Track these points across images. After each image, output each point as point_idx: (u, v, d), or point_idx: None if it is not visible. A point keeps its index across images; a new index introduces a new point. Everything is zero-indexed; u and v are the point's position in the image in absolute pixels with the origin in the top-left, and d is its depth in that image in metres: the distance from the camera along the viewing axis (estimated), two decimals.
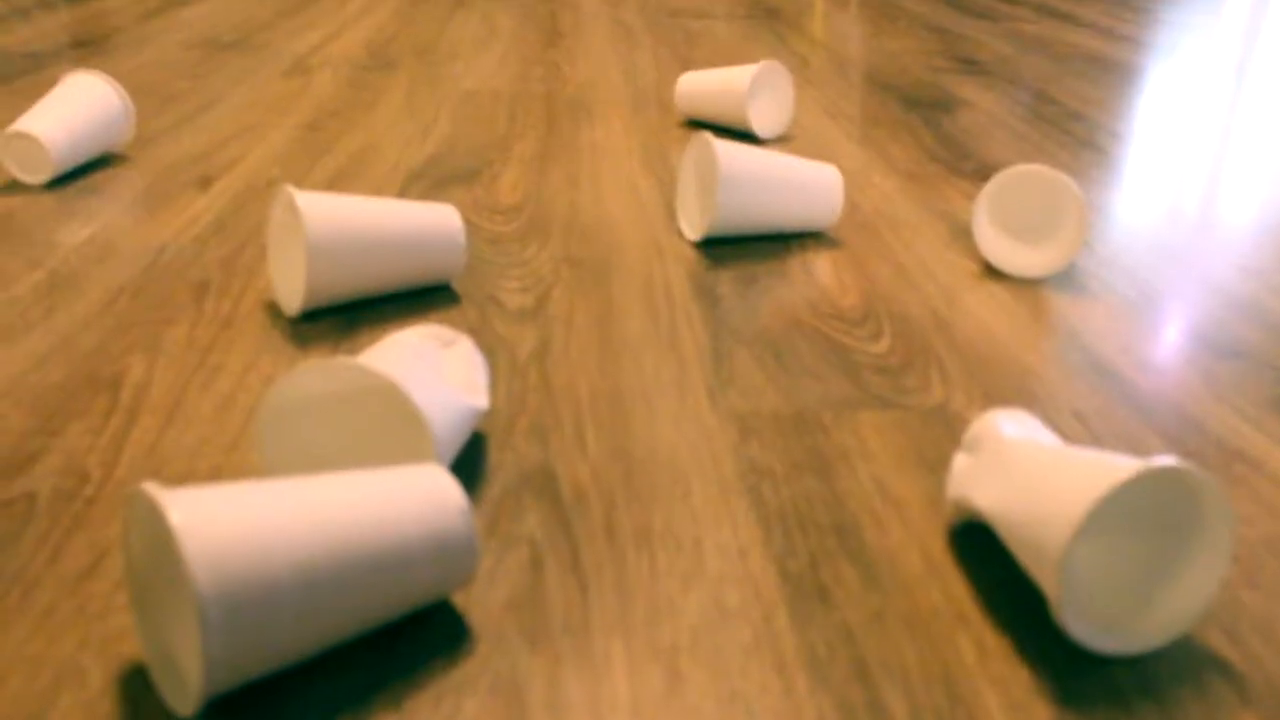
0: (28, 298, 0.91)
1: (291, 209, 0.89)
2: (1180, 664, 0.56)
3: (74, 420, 0.74)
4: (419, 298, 0.94)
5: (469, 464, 0.70)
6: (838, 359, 0.86)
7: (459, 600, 0.58)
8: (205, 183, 1.22)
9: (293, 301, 0.89)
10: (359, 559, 0.51)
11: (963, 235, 1.15)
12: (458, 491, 0.56)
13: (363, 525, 0.52)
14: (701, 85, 1.51)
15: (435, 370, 0.68)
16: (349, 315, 0.90)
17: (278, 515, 0.50)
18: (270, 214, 0.90)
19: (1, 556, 0.60)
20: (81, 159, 1.24)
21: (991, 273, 1.05)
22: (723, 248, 1.08)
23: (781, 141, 1.47)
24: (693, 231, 1.10)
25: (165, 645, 0.52)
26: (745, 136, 1.48)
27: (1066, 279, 1.04)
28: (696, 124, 1.54)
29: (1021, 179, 1.06)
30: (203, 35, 2.05)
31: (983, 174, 1.36)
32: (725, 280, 1.00)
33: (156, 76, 1.72)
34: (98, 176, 1.23)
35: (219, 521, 0.48)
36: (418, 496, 0.55)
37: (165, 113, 1.51)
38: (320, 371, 0.63)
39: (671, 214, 1.17)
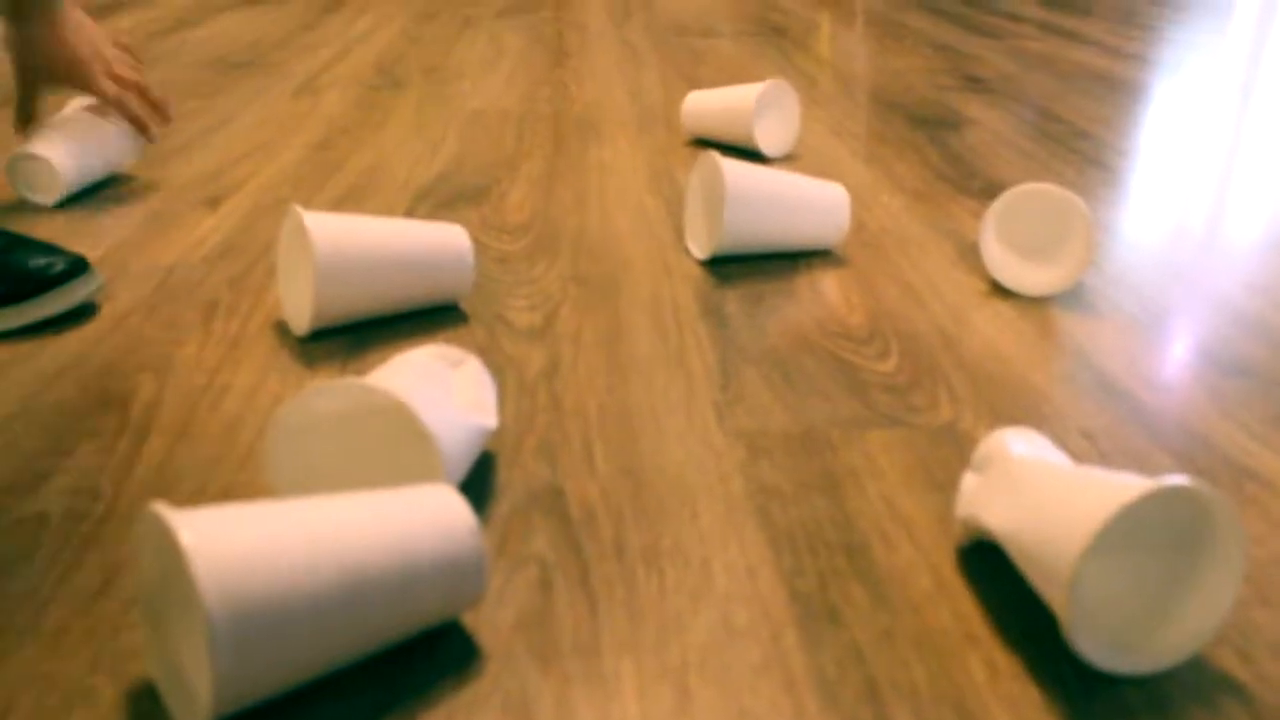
0: None
1: (300, 229, 0.89)
2: (1192, 684, 0.56)
3: (84, 440, 0.74)
4: (427, 317, 0.95)
5: (478, 483, 0.70)
6: (845, 378, 0.86)
7: (469, 619, 0.58)
8: (214, 202, 1.22)
9: (301, 321, 0.89)
10: (368, 579, 0.51)
11: (970, 254, 1.15)
12: (467, 511, 0.56)
13: (372, 545, 0.52)
14: (708, 104, 1.52)
15: (444, 390, 0.68)
16: (357, 335, 0.90)
17: (287, 536, 0.50)
18: (279, 234, 0.91)
19: (13, 576, 0.60)
20: (91, 179, 1.24)
21: (999, 291, 1.05)
22: (730, 266, 1.09)
23: (788, 160, 1.48)
24: (700, 250, 1.11)
25: (175, 665, 0.52)
26: (752, 155, 1.48)
27: (1074, 297, 1.04)
28: (703, 143, 1.55)
29: (1029, 197, 1.06)
30: (212, 55, 2.06)
31: (989, 192, 1.37)
32: (733, 299, 1.01)
33: (166, 96, 1.73)
34: (107, 196, 1.24)
35: (229, 542, 0.48)
36: (427, 516, 0.55)
37: (175, 132, 1.51)
38: (329, 392, 0.63)
39: (679, 232, 1.18)
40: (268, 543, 0.49)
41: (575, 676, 0.55)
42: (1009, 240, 1.07)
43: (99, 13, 2.49)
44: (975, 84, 2.06)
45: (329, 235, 0.86)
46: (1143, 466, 0.75)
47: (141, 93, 1.27)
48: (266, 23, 2.46)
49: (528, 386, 0.83)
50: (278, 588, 0.48)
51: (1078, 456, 0.76)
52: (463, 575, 0.55)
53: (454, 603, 0.55)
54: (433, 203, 1.24)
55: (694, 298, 1.01)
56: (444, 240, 0.94)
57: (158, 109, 1.29)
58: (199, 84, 1.82)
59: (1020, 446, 0.64)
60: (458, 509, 0.56)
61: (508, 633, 0.57)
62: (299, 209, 0.87)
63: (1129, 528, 0.59)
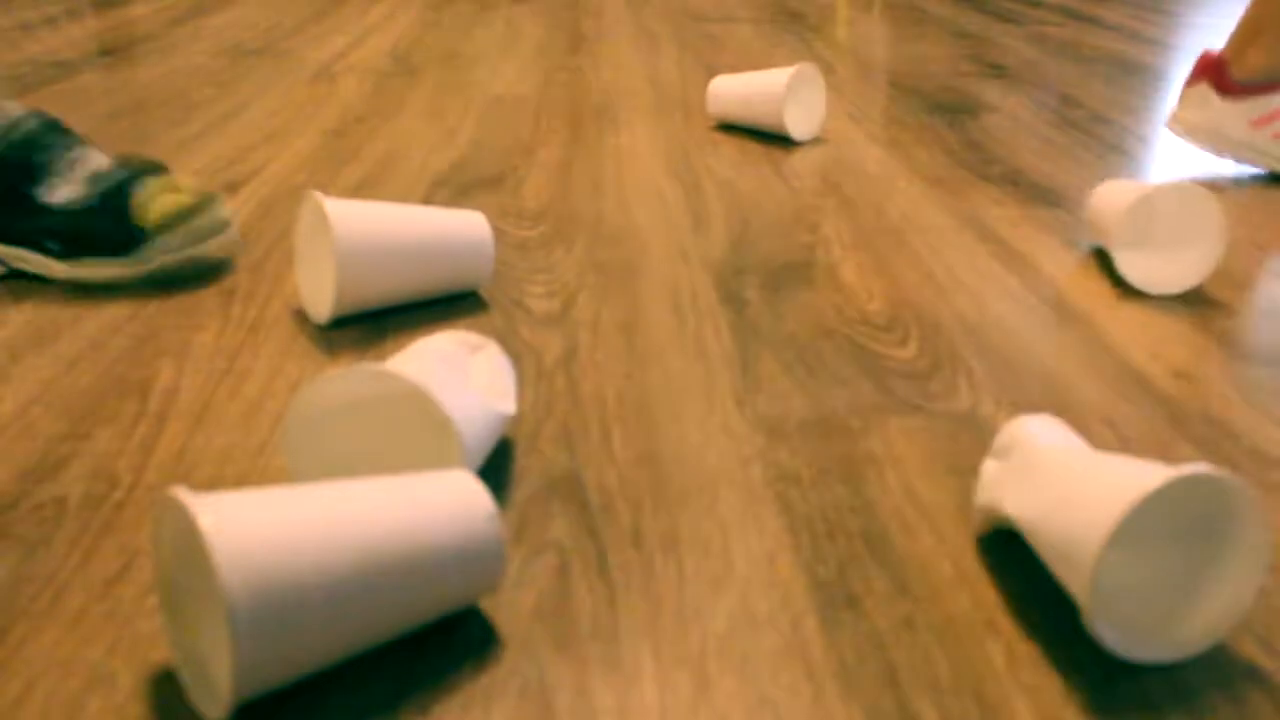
0: (57, 303, 0.92)
1: (320, 216, 0.89)
2: (1214, 673, 0.55)
3: (103, 425, 0.74)
4: (445, 303, 0.94)
5: (496, 469, 0.70)
6: (865, 364, 0.86)
7: (487, 606, 0.58)
8: (231, 189, 1.22)
9: (321, 309, 0.89)
10: (387, 564, 0.51)
11: (990, 240, 1.14)
12: (485, 497, 0.56)
13: (391, 531, 0.52)
14: (735, 88, 1.51)
15: (462, 376, 0.68)
16: (376, 321, 0.90)
17: (306, 520, 0.50)
18: (297, 220, 0.91)
19: (32, 560, 0.60)
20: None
21: (1020, 278, 1.04)
22: (750, 251, 1.08)
23: (813, 144, 1.47)
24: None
25: (195, 650, 0.52)
26: (780, 140, 1.48)
27: (1095, 283, 1.03)
28: (728, 128, 1.54)
29: (1159, 196, 1.02)
30: (228, 42, 2.06)
31: (1009, 178, 1.36)
32: (751, 285, 1.00)
33: (182, 83, 1.73)
34: None
35: (249, 527, 0.48)
36: (446, 502, 0.55)
37: (191, 120, 1.51)
38: (348, 377, 0.63)
39: (697, 218, 1.17)
40: (287, 527, 0.49)
41: (594, 663, 0.54)
42: (1141, 241, 1.05)
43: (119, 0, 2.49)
44: (995, 70, 2.05)
45: (350, 222, 0.86)
46: (1165, 455, 0.75)
47: None
48: (282, 9, 2.46)
49: (546, 373, 0.83)
50: (297, 573, 0.48)
51: (1099, 444, 0.76)
52: (481, 561, 0.55)
53: (472, 588, 0.55)
54: (450, 189, 1.24)
55: (712, 284, 1.00)
56: (464, 227, 0.93)
57: None
58: (215, 71, 1.82)
59: (1041, 434, 0.63)
60: (476, 494, 0.56)
61: (526, 619, 0.57)
62: (318, 195, 0.86)
63: (1151, 516, 0.59)
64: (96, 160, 0.96)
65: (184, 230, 0.94)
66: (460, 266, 0.93)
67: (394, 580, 0.51)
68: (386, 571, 0.51)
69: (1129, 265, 1.03)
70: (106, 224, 0.93)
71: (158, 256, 0.93)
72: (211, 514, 0.47)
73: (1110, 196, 1.07)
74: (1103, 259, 1.10)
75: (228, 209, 0.99)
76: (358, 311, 0.90)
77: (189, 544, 0.52)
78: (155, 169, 0.98)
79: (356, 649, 0.52)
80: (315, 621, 0.49)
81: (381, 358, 0.84)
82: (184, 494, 0.48)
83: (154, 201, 0.93)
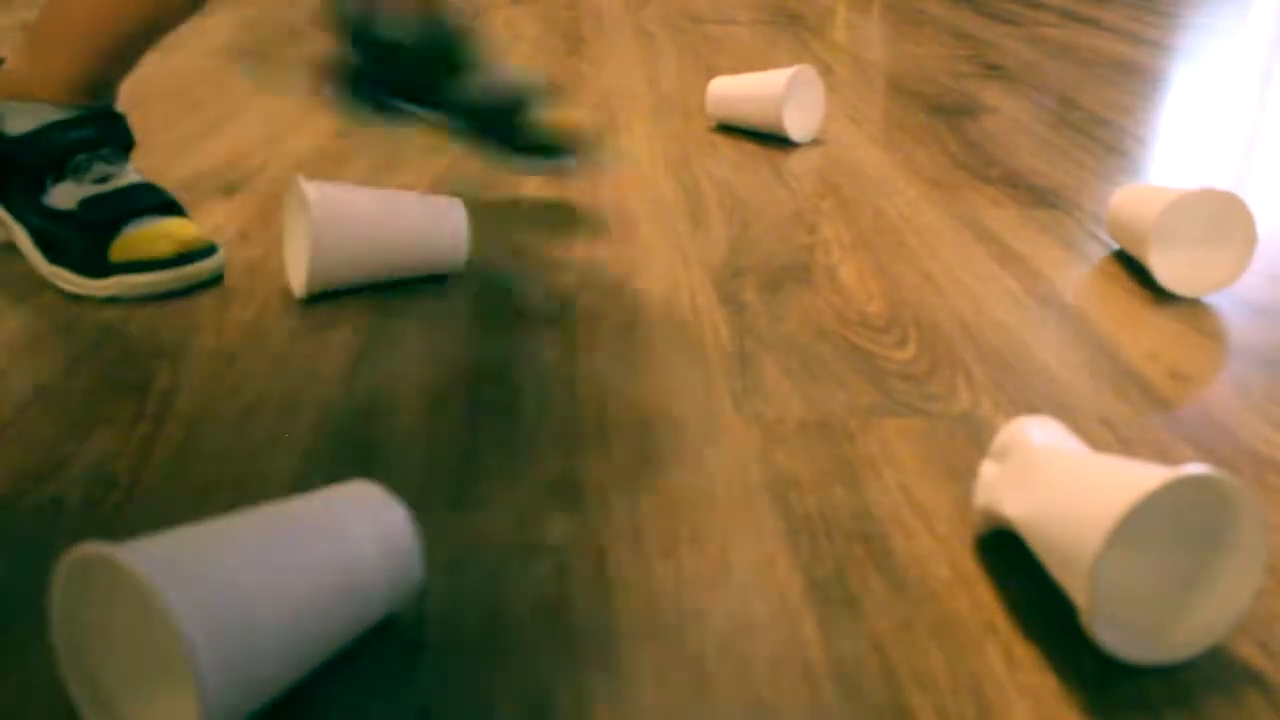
0: (56, 304, 0.92)
1: (297, 192, 0.94)
2: (1212, 674, 0.55)
3: (101, 427, 0.74)
4: (444, 303, 0.94)
5: (495, 471, 0.70)
6: (863, 366, 0.86)
7: (486, 606, 0.58)
8: (229, 190, 1.22)
9: (300, 283, 0.94)
10: (320, 585, 0.50)
11: (988, 241, 1.14)
12: (395, 505, 0.56)
13: (318, 552, 0.51)
14: (735, 90, 1.51)
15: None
16: (372, 322, 0.90)
17: (240, 557, 0.48)
18: (285, 206, 0.95)
19: (29, 562, 0.60)
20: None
21: (1018, 279, 1.04)
22: (749, 252, 1.08)
23: (813, 145, 1.47)
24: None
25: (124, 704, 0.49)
26: (779, 141, 1.48)
27: (1093, 284, 1.03)
28: (728, 129, 1.54)
29: (1192, 200, 1.02)
30: (226, 43, 2.06)
31: (1008, 180, 1.36)
32: (750, 287, 1.00)
33: (180, 84, 1.73)
34: None
35: (192, 571, 0.46)
36: (362, 512, 0.55)
37: (189, 120, 1.51)
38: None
39: (696, 220, 1.17)
40: (226, 566, 0.47)
41: (592, 665, 0.54)
42: (1174, 246, 1.04)
43: None
44: (994, 71, 2.05)
45: (326, 197, 0.91)
46: (1164, 457, 0.75)
47: None
48: (280, 10, 2.46)
49: (544, 375, 0.83)
50: (248, 614, 0.47)
51: (1098, 445, 0.76)
52: (401, 565, 0.55)
53: (397, 590, 0.55)
54: (448, 192, 1.24)
55: (711, 286, 1.00)
56: (438, 204, 0.98)
57: None
58: (211, 72, 1.82)
59: (1040, 435, 0.63)
60: (387, 503, 0.56)
61: (525, 621, 0.57)
62: (300, 178, 0.91)
63: (1150, 517, 0.59)
64: (115, 180, 0.97)
65: (155, 278, 0.94)
66: (435, 240, 0.97)
67: (328, 594, 0.50)
68: (320, 594, 0.50)
69: (1163, 268, 1.02)
70: (80, 242, 0.94)
71: (114, 288, 0.93)
72: (151, 565, 0.45)
73: (1136, 200, 1.06)
74: (1125, 262, 1.10)
75: (214, 262, 0.97)
76: (336, 286, 0.94)
77: (122, 598, 0.49)
78: (166, 206, 0.98)
79: (310, 666, 0.51)
80: (268, 652, 0.47)
81: (377, 359, 0.84)
82: (107, 549, 0.45)
83: (136, 246, 0.94)
